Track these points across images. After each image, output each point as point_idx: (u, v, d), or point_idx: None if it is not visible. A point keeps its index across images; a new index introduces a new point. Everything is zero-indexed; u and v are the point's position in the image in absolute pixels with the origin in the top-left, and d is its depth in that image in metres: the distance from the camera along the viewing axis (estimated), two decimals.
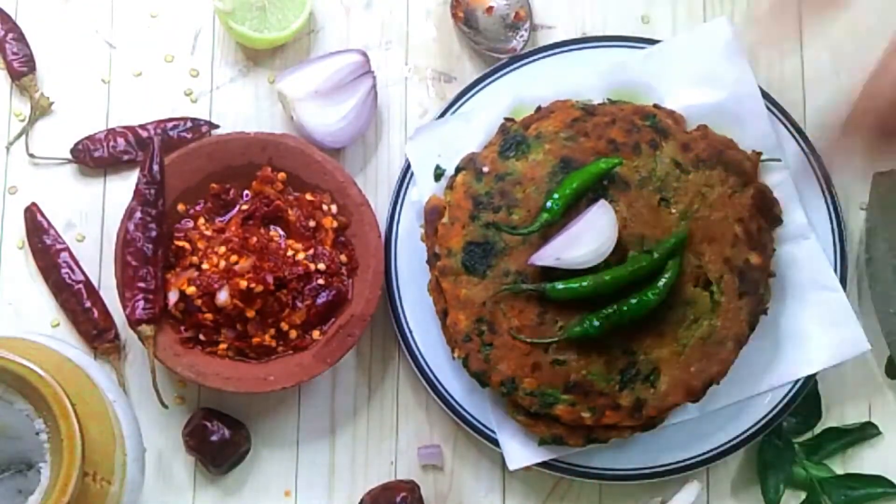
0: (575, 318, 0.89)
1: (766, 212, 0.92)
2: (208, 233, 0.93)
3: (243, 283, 0.90)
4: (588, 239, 0.88)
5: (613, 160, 0.90)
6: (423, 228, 0.93)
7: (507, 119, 0.94)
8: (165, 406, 0.92)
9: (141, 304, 0.91)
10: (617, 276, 0.88)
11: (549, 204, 0.89)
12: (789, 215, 0.94)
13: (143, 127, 0.98)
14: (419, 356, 0.94)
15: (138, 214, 0.92)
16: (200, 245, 0.93)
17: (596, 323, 0.88)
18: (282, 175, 0.94)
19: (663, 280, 0.88)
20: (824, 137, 0.87)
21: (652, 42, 0.97)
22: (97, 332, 0.96)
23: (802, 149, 0.96)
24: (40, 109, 0.99)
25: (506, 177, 0.91)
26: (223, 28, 1.00)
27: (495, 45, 0.99)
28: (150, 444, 0.94)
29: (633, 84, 0.96)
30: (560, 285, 0.88)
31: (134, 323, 0.91)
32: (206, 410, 0.95)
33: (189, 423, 0.95)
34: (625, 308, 0.88)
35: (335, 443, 0.96)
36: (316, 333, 0.93)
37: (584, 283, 0.88)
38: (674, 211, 0.91)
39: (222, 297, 0.90)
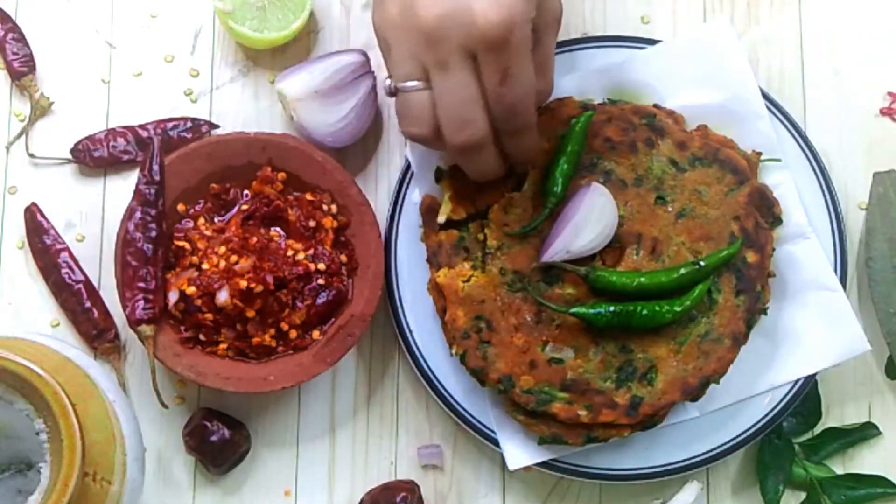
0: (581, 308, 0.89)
1: (766, 211, 0.92)
2: (208, 233, 0.93)
3: (243, 283, 0.90)
4: (593, 224, 0.88)
5: (586, 114, 0.91)
6: (422, 228, 0.93)
7: None
8: (165, 406, 0.92)
9: (141, 304, 0.91)
10: (661, 282, 0.88)
11: (551, 188, 0.89)
12: (789, 215, 0.94)
13: (143, 127, 0.98)
14: (419, 356, 0.94)
15: (138, 214, 0.92)
16: (200, 245, 0.93)
17: (610, 310, 0.88)
18: (282, 175, 0.94)
19: (686, 301, 0.88)
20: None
21: (652, 42, 0.97)
22: (97, 332, 0.96)
23: (802, 149, 0.96)
24: (40, 109, 0.99)
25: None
26: (223, 28, 1.00)
27: None
28: (150, 444, 0.95)
29: (634, 84, 0.96)
30: (613, 277, 0.88)
31: (134, 323, 0.91)
32: (206, 410, 0.95)
33: (189, 423, 0.95)
34: (638, 311, 0.88)
35: (335, 443, 0.96)
36: (316, 333, 0.93)
37: (638, 280, 0.88)
38: (670, 209, 0.91)
39: (222, 297, 0.90)
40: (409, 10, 0.80)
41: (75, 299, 0.96)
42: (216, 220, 0.95)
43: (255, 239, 0.92)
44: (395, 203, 0.96)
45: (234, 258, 0.91)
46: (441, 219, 0.91)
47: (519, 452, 0.93)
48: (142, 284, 0.91)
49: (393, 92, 0.84)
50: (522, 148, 0.85)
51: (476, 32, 0.78)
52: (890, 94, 1.01)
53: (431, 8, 0.79)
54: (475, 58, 0.79)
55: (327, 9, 1.02)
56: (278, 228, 0.94)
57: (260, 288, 0.90)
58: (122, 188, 0.98)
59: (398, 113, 0.85)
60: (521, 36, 0.79)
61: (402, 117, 0.84)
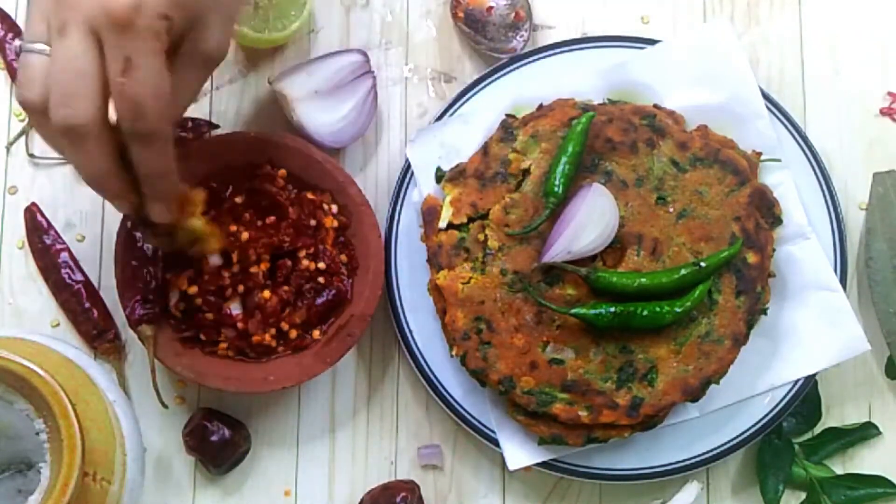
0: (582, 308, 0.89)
1: (766, 211, 0.92)
2: None
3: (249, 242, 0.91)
4: (593, 225, 0.88)
5: (587, 114, 0.90)
6: (422, 228, 0.93)
7: (508, 115, 0.94)
8: (165, 406, 0.92)
9: (141, 304, 0.91)
10: (662, 282, 0.88)
11: (552, 188, 0.89)
12: (789, 215, 0.94)
13: None
14: (419, 356, 0.94)
15: None
16: None
17: (611, 310, 0.87)
18: (282, 172, 0.94)
19: (687, 302, 0.88)
20: None
21: (652, 42, 0.97)
22: (97, 332, 0.96)
23: (802, 149, 0.96)
24: None
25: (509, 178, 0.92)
26: None
27: (495, 45, 0.99)
28: (150, 444, 0.95)
29: (633, 84, 0.96)
30: (614, 277, 0.88)
31: (134, 323, 0.91)
32: (206, 410, 0.95)
33: (189, 423, 0.95)
34: (638, 311, 0.88)
35: (335, 443, 0.96)
36: (316, 333, 0.93)
37: (639, 281, 0.88)
38: (671, 209, 0.91)
39: (235, 309, 0.90)
40: None
41: (75, 299, 0.96)
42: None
43: (257, 223, 0.92)
44: (395, 203, 0.96)
45: (234, 228, 0.91)
46: (442, 224, 0.91)
47: (519, 452, 0.93)
48: (142, 284, 0.91)
49: (19, 53, 0.79)
50: (149, 166, 0.78)
51: (101, 5, 0.72)
52: (890, 94, 1.01)
53: None
54: (100, 36, 0.74)
55: (327, 9, 1.02)
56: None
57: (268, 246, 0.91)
58: None
59: (17, 75, 0.79)
60: (147, 25, 0.73)
61: (18, 79, 0.78)
